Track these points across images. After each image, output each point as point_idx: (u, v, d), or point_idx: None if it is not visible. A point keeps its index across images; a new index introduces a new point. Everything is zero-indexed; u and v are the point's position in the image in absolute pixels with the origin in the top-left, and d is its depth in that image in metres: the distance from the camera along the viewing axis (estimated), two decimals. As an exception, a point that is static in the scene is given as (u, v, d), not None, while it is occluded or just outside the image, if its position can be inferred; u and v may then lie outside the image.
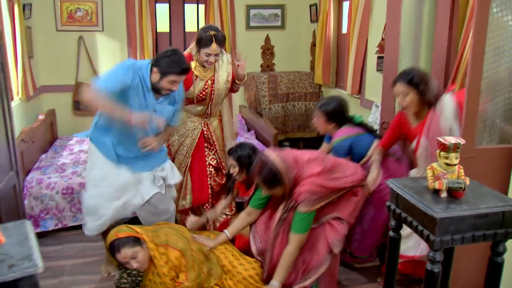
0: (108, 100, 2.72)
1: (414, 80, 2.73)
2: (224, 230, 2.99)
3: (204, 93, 3.44)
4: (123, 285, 2.70)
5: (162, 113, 2.97)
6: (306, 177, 2.63)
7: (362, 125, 3.30)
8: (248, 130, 5.65)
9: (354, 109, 4.76)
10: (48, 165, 4.39)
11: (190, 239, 2.83)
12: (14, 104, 4.50)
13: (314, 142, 5.43)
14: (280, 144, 5.73)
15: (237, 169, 3.19)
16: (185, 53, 3.44)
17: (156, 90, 2.89)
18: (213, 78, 3.44)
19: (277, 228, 2.73)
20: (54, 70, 5.55)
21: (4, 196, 2.70)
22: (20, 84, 4.57)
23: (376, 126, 3.99)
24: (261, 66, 6.25)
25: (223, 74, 3.47)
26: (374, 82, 4.30)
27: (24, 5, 4.89)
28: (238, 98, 6.23)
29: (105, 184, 3.01)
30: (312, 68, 5.88)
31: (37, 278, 1.27)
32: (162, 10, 5.93)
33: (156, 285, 2.71)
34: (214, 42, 3.19)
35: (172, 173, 3.23)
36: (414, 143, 2.87)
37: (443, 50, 3.44)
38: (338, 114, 3.28)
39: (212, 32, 3.20)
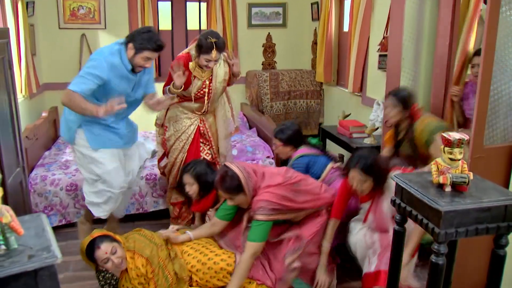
0: (80, 102, 2.91)
1: (373, 170, 2.66)
2: (188, 231, 3.02)
3: (202, 92, 3.51)
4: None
5: (140, 85, 3.17)
6: (264, 187, 2.71)
7: (317, 147, 3.49)
8: (250, 127, 5.69)
9: (356, 107, 4.81)
10: (52, 162, 4.43)
11: (160, 245, 2.83)
12: (18, 101, 4.53)
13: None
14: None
15: (195, 187, 3.22)
16: (184, 52, 3.52)
17: (132, 68, 3.03)
18: (210, 77, 3.52)
19: (245, 237, 2.82)
20: (57, 67, 5.57)
21: (11, 192, 2.73)
22: (23, 82, 4.59)
23: (378, 124, 4.04)
24: (262, 64, 6.29)
25: (221, 73, 3.55)
26: (376, 80, 4.34)
27: (27, 3, 4.92)
28: (240, 95, 6.27)
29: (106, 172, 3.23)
30: (314, 66, 5.92)
31: (56, 268, 1.31)
32: (164, 8, 5.96)
33: (132, 284, 2.76)
34: (214, 49, 3.25)
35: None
36: (366, 206, 2.89)
37: (445, 48, 3.48)
38: (294, 138, 3.42)
39: (212, 40, 3.26)
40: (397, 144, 3.32)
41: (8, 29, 2.92)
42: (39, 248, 1.34)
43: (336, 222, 2.93)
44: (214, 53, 3.26)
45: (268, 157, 4.61)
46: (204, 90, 3.50)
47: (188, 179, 3.23)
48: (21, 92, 4.64)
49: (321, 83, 5.78)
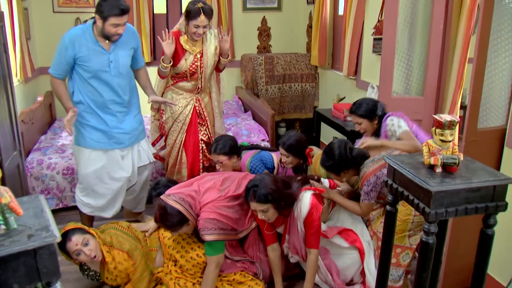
0: (61, 90, 3.14)
1: (270, 198, 2.59)
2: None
3: (194, 66, 3.55)
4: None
5: (117, 61, 3.16)
6: (203, 205, 2.68)
7: (252, 146, 3.66)
8: (245, 111, 5.70)
9: (350, 91, 4.83)
10: (48, 146, 4.44)
11: (136, 238, 2.86)
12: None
13: (310, 123, 5.51)
14: (276, 125, 5.80)
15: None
16: (174, 29, 3.57)
17: (106, 37, 3.07)
18: (201, 52, 3.56)
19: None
20: (51, 51, 5.38)
21: (9, 175, 2.75)
22: (18, 66, 4.58)
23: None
24: (257, 48, 6.27)
25: (211, 47, 3.60)
26: (370, 64, 4.35)
27: (20, -14, 4.87)
28: (235, 79, 6.27)
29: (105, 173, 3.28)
30: (308, 49, 5.92)
31: (55, 247, 1.34)
32: (159, -9, 5.92)
33: (114, 278, 2.81)
34: (202, 13, 3.32)
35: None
36: (280, 230, 2.90)
37: (439, 32, 3.50)
38: (233, 148, 3.39)
39: (200, 5, 3.34)
40: None
41: (2, 12, 2.91)
42: (38, 228, 1.37)
43: (272, 246, 2.87)
44: (202, 17, 3.33)
45: (263, 140, 4.64)
46: (196, 64, 3.54)
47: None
48: (16, 76, 4.63)
49: (316, 66, 5.79)
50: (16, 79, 4.64)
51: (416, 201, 1.72)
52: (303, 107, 5.87)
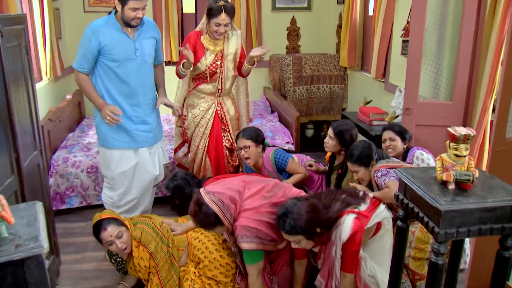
0: (88, 85, 3.16)
1: (299, 230, 2.33)
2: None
3: (214, 65, 3.51)
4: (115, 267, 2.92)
5: (143, 49, 3.19)
6: (243, 211, 2.53)
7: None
8: (272, 112, 5.64)
9: (378, 93, 4.70)
10: (74, 144, 4.51)
11: (165, 239, 2.83)
12: (42, 84, 4.63)
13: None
14: (304, 127, 5.71)
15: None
16: (196, 29, 3.57)
17: (126, 23, 3.07)
18: (222, 51, 3.52)
19: (236, 259, 2.74)
20: None
21: (28, 175, 2.78)
22: (48, 65, 4.67)
23: (398, 111, 3.93)
24: (286, 48, 6.20)
25: (232, 47, 3.57)
26: (399, 66, 4.21)
27: (52, -13, 4.97)
28: (263, 79, 6.22)
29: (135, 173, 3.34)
30: (338, 50, 5.79)
31: (43, 257, 1.32)
32: (188, -9, 5.93)
33: (137, 271, 2.80)
34: (223, 12, 3.30)
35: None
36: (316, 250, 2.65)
37: (470, 34, 3.34)
38: (260, 137, 3.46)
39: (221, 3, 3.32)
40: (329, 169, 3.49)
41: (25, 15, 2.95)
42: (27, 238, 1.36)
43: (300, 261, 2.71)
44: (223, 15, 3.30)
45: (287, 142, 4.57)
46: (216, 63, 3.50)
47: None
48: (46, 75, 4.73)
49: (345, 67, 5.66)
50: (46, 78, 4.74)
51: (426, 219, 1.62)
52: (331, 109, 5.75)
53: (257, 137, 3.42)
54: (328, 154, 3.54)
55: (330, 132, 3.31)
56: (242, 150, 3.40)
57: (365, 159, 2.86)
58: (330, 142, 3.32)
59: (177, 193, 3.60)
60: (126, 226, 2.75)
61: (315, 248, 2.59)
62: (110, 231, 2.67)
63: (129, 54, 3.13)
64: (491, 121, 3.37)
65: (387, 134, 3.14)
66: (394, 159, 2.90)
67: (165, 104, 3.45)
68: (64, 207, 4.15)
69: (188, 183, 3.56)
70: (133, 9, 2.99)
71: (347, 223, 2.37)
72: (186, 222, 3.04)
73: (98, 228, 2.71)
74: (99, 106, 3.14)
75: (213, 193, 2.48)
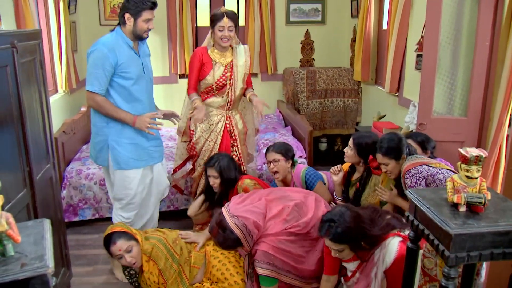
0: (110, 105, 2.99)
1: (347, 238, 2.26)
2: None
3: (224, 77, 3.51)
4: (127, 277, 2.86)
5: (147, 66, 3.16)
6: (264, 236, 2.51)
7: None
8: (286, 125, 5.63)
9: (392, 108, 4.66)
10: (88, 156, 4.53)
11: (176, 255, 2.82)
12: (58, 96, 4.69)
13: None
14: (317, 141, 5.68)
15: (218, 181, 3.29)
16: (202, 46, 3.61)
17: (137, 36, 3.01)
18: (231, 63, 3.53)
19: (249, 282, 2.69)
20: None
21: (40, 188, 2.80)
22: (64, 78, 4.74)
23: (412, 127, 3.88)
24: (300, 61, 6.20)
25: (241, 59, 3.59)
26: (413, 81, 4.17)
27: (69, 1, 5.06)
28: (277, 93, 6.23)
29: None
30: (352, 64, 5.77)
31: (48, 277, 1.32)
32: (203, 4, 5.98)
33: (148, 285, 2.79)
34: (225, 16, 3.35)
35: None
36: (350, 267, 2.48)
37: (485, 49, 3.30)
38: (290, 152, 3.49)
39: (223, 9, 3.40)
40: (347, 184, 3.37)
41: (40, 30, 2.98)
42: (33, 257, 1.36)
43: (329, 277, 2.57)
44: (225, 19, 3.35)
45: (300, 156, 4.55)
46: (226, 75, 3.51)
47: (212, 172, 3.32)
48: (62, 87, 4.79)
49: (359, 81, 5.63)
50: (61, 90, 4.80)
51: (436, 242, 1.58)
52: (345, 122, 5.71)
53: (287, 152, 3.43)
54: (346, 165, 3.48)
55: (350, 142, 3.26)
56: (271, 164, 3.40)
57: (395, 151, 2.76)
58: (349, 152, 3.26)
59: (224, 174, 3.32)
60: (136, 240, 2.75)
61: (348, 264, 2.46)
62: (119, 245, 2.68)
63: (140, 71, 3.08)
64: (507, 136, 3.32)
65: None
66: (423, 156, 2.81)
67: (165, 115, 3.41)
68: (76, 219, 4.18)
69: (235, 167, 3.40)
70: (146, 20, 2.96)
71: (392, 246, 2.26)
72: (205, 230, 3.03)
73: (108, 241, 2.73)
74: (131, 121, 3.02)
75: (237, 217, 2.49)
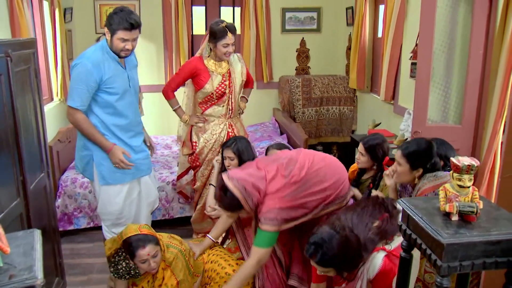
0: (90, 126, 2.91)
1: (332, 264, 2.20)
2: (208, 235, 2.99)
3: (223, 85, 3.52)
4: (117, 271, 2.66)
5: (133, 79, 3.07)
6: (269, 194, 2.54)
7: None
8: (282, 133, 5.63)
9: (388, 116, 4.67)
10: (83, 165, 4.53)
11: (191, 264, 2.80)
12: (53, 104, 4.69)
13: (348, 147, 5.36)
14: (313, 149, 5.66)
15: (234, 162, 3.14)
16: (196, 55, 3.59)
17: (115, 53, 2.88)
18: (229, 71, 3.55)
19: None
20: None
21: (34, 197, 2.79)
22: (59, 86, 4.74)
23: (407, 134, 3.89)
24: (296, 69, 6.21)
25: (237, 67, 3.61)
26: (408, 89, 4.18)
27: (65, 9, 5.07)
28: (273, 101, 6.23)
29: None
30: (348, 72, 5.79)
31: (37, 289, 1.31)
32: (199, 12, 6.00)
33: None
34: (228, 32, 3.35)
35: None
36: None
37: (479, 58, 3.31)
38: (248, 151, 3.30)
39: (223, 24, 3.36)
40: (357, 183, 3.29)
41: (34, 39, 2.98)
42: (22, 268, 1.35)
43: (318, 285, 2.59)
44: (229, 35, 3.36)
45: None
46: (225, 83, 3.52)
47: (229, 153, 3.17)
48: (57, 95, 4.79)
49: (355, 89, 5.64)
50: (57, 98, 4.80)
51: (428, 251, 1.58)
52: (341, 130, 5.72)
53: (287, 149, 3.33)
54: (352, 169, 3.45)
55: (361, 148, 3.16)
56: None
57: (417, 159, 2.57)
58: (361, 158, 3.17)
59: (242, 156, 3.16)
60: (160, 246, 2.67)
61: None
62: (148, 250, 2.54)
63: (125, 85, 2.97)
64: (501, 143, 3.33)
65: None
66: (442, 173, 2.56)
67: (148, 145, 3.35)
68: (71, 227, 4.17)
69: (252, 150, 3.25)
70: (121, 39, 2.81)
71: (377, 261, 2.24)
72: (203, 241, 3.01)
73: (135, 244, 2.54)
74: (106, 148, 2.94)
75: (237, 179, 2.52)
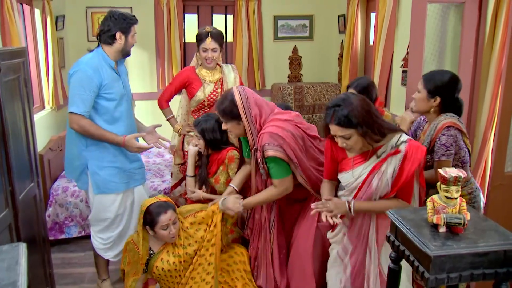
0: (97, 127, 2.88)
1: (354, 121, 2.10)
2: (230, 184, 2.97)
3: (215, 93, 3.51)
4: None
5: (127, 85, 3.10)
6: (270, 120, 2.58)
7: None
8: (274, 140, 5.63)
9: (379, 123, 4.67)
10: (74, 174, 4.51)
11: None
12: (44, 113, 4.66)
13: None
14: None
15: (202, 142, 3.06)
16: (190, 65, 3.63)
17: (126, 53, 2.97)
18: (221, 79, 3.54)
19: (256, 178, 2.73)
20: None
21: (23, 208, 2.77)
22: (51, 94, 4.71)
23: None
24: (288, 77, 6.23)
25: (231, 76, 3.58)
26: (399, 97, 4.20)
27: (57, 17, 5.05)
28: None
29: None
30: (340, 79, 5.81)
31: (21, 305, 1.30)
32: (191, 20, 6.00)
33: (163, 274, 2.84)
34: (209, 36, 3.34)
35: None
36: (349, 177, 2.34)
37: (469, 66, 3.34)
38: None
39: (208, 29, 3.38)
40: None
41: (25, 48, 2.97)
42: (6, 283, 1.33)
43: (329, 182, 2.51)
44: (208, 40, 3.34)
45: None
46: (217, 91, 3.51)
47: (196, 132, 3.10)
48: (49, 104, 4.77)
49: (347, 96, 5.65)
50: (48, 107, 4.77)
51: (416, 263, 1.58)
52: (333, 137, 5.72)
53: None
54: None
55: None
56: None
57: (439, 87, 2.47)
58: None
59: (207, 135, 3.04)
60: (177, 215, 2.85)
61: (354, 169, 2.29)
62: (170, 215, 2.74)
63: (122, 91, 2.99)
64: (492, 151, 3.34)
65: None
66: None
67: (148, 132, 3.28)
68: (62, 236, 4.13)
69: (220, 130, 3.03)
70: (134, 34, 2.94)
71: (402, 138, 2.17)
72: (226, 189, 3.01)
73: (157, 210, 2.74)
74: (120, 143, 2.90)
75: (245, 91, 2.64)
